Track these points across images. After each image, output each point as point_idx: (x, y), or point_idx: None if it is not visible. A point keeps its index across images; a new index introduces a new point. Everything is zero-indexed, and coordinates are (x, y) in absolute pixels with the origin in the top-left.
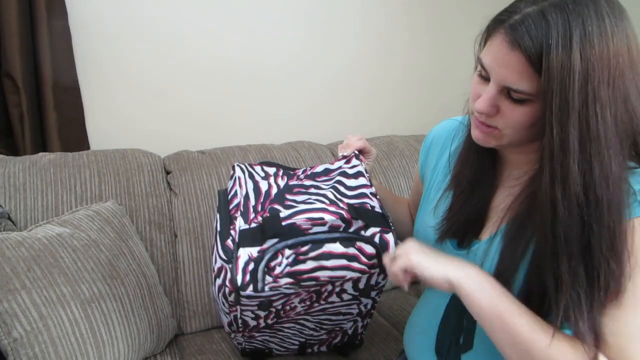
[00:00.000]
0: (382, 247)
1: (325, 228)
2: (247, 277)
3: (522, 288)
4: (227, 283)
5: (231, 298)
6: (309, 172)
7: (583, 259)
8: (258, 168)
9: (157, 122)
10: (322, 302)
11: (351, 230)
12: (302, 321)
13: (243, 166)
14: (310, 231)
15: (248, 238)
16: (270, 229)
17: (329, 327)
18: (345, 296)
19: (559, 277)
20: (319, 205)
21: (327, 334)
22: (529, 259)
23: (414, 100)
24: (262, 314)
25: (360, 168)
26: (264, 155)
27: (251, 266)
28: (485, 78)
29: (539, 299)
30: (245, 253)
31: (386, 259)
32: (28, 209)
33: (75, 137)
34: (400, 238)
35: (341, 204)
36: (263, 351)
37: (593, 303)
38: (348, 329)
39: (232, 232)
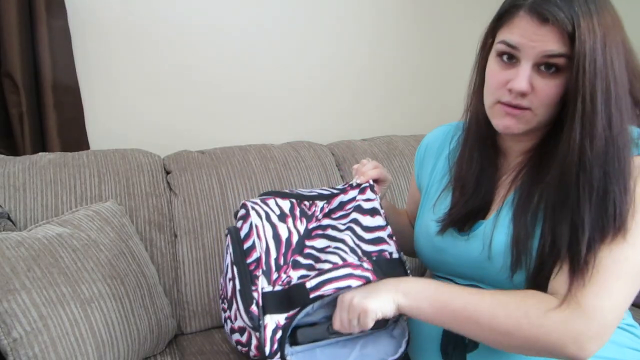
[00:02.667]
0: None
1: (345, 285)
2: (275, 346)
3: (537, 250)
4: (254, 349)
5: (256, 358)
6: (326, 210)
7: (602, 204)
8: (272, 203)
9: (157, 122)
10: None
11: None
12: None
13: (258, 207)
14: (334, 294)
15: (274, 304)
16: (298, 300)
17: None
18: None
19: (581, 224)
20: (342, 270)
21: None
22: (542, 219)
23: (414, 100)
24: None
25: (376, 204)
26: (263, 155)
27: (279, 334)
28: (509, 60)
29: (551, 259)
30: (272, 321)
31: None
32: (28, 209)
33: (75, 137)
34: (402, 249)
35: (360, 252)
36: None
37: (602, 244)
38: None
39: (255, 294)
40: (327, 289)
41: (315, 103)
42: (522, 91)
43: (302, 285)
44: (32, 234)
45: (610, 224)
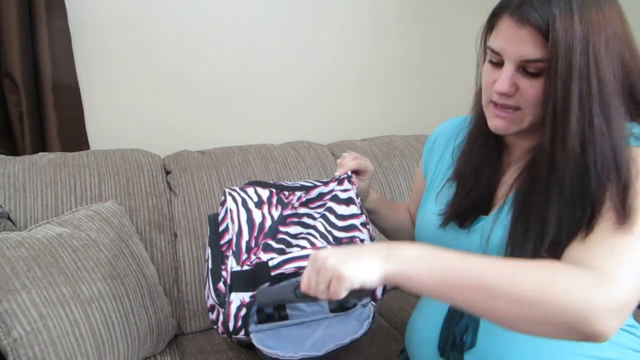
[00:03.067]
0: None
1: None
2: (239, 323)
3: (531, 249)
4: (220, 325)
5: (224, 335)
6: (303, 199)
7: (574, 204)
8: (251, 191)
9: (157, 122)
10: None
11: None
12: None
13: (235, 194)
14: (298, 273)
15: (240, 282)
16: (260, 278)
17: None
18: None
19: (548, 224)
20: (308, 250)
21: None
22: (538, 224)
23: (414, 100)
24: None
25: (352, 194)
26: (263, 155)
27: (243, 312)
28: (496, 64)
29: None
30: (237, 298)
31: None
32: (28, 209)
33: (75, 137)
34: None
35: (330, 238)
36: None
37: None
38: None
39: (224, 272)
40: (288, 267)
41: (315, 103)
42: (503, 92)
43: (266, 263)
44: (32, 234)
45: (582, 225)
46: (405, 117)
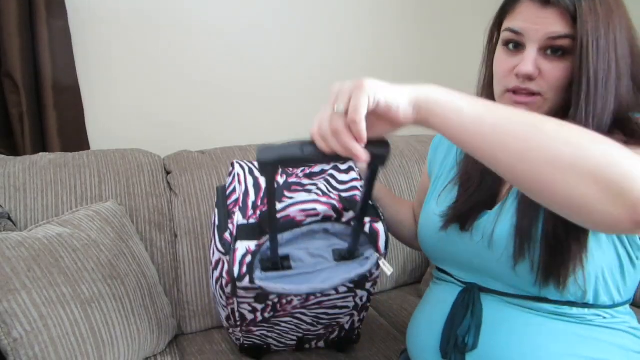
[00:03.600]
0: (372, 236)
1: (318, 219)
2: (244, 269)
3: (542, 238)
4: (225, 274)
5: (228, 290)
6: (307, 172)
7: None
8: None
9: (157, 122)
10: (318, 294)
11: (343, 220)
12: (298, 315)
13: (243, 163)
14: (305, 222)
15: (246, 232)
16: (267, 223)
17: (326, 321)
18: (340, 288)
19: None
20: (312, 196)
21: (325, 329)
22: (544, 214)
23: None
24: (259, 307)
25: (351, 164)
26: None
27: (248, 259)
28: (514, 48)
29: (557, 249)
30: (242, 246)
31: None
32: (28, 209)
33: (75, 137)
34: (401, 240)
35: (333, 195)
36: (261, 347)
37: None
38: (345, 323)
39: (230, 226)
40: (293, 210)
41: (315, 103)
42: (528, 73)
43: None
44: (33, 234)
45: None
46: None
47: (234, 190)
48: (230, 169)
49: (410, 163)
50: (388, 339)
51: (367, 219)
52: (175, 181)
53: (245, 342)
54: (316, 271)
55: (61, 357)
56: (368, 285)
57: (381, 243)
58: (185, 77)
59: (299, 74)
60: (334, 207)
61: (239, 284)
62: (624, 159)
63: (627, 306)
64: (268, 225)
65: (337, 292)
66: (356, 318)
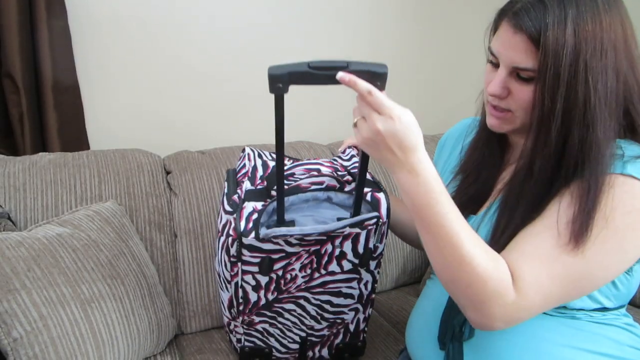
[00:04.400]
0: (373, 204)
1: (322, 187)
2: (250, 225)
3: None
4: (231, 231)
5: (233, 250)
6: (313, 161)
7: (536, 209)
8: (267, 153)
9: (157, 122)
10: (322, 270)
11: (346, 190)
12: (302, 302)
13: (253, 148)
14: (309, 189)
15: (253, 195)
16: (273, 182)
17: (331, 316)
18: (345, 264)
19: (511, 225)
20: (318, 160)
21: (329, 328)
22: (518, 218)
23: (414, 99)
24: (262, 281)
25: (354, 152)
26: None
27: (254, 216)
28: (495, 65)
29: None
30: (250, 205)
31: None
32: (28, 209)
33: (75, 137)
34: (405, 240)
35: (336, 163)
36: (263, 350)
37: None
38: (350, 321)
39: (239, 191)
40: (298, 169)
41: (315, 103)
42: (495, 94)
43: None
44: (32, 234)
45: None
46: None
47: (244, 166)
48: (241, 153)
49: None
50: (388, 339)
51: (368, 189)
52: (175, 181)
53: (246, 343)
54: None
55: (61, 357)
56: (372, 265)
57: (383, 210)
58: (185, 77)
59: None
60: (336, 170)
61: (244, 240)
62: (489, 280)
63: (622, 309)
64: (273, 182)
65: (342, 271)
66: (361, 316)
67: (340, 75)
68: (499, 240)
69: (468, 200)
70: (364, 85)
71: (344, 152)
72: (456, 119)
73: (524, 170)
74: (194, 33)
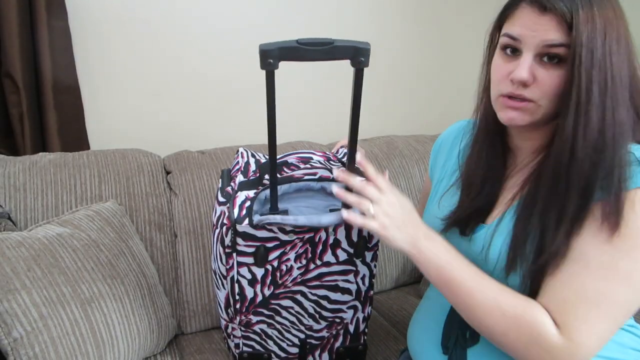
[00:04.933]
0: None
1: (316, 177)
2: (244, 212)
3: (533, 253)
4: (225, 220)
5: (228, 240)
6: (305, 150)
7: (588, 195)
8: (261, 154)
9: (157, 122)
10: (318, 261)
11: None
12: (299, 297)
13: (247, 149)
14: (303, 179)
15: (246, 185)
16: (265, 172)
17: (329, 314)
18: (340, 253)
19: (565, 214)
20: (309, 150)
21: (328, 329)
22: (540, 227)
23: (414, 100)
24: (258, 274)
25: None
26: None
27: (247, 204)
28: (512, 53)
29: (544, 262)
30: (242, 194)
31: (358, 182)
32: (28, 209)
33: (75, 137)
34: None
35: (329, 154)
36: (262, 356)
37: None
38: (349, 321)
39: (232, 184)
40: (291, 157)
41: (315, 103)
42: (522, 80)
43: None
44: (33, 234)
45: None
46: (405, 117)
47: (237, 163)
48: (236, 154)
49: (410, 163)
50: (388, 339)
51: (362, 179)
52: (175, 181)
53: (244, 348)
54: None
55: (61, 357)
56: (368, 257)
57: None
58: (186, 77)
59: (299, 74)
60: (329, 160)
61: (239, 227)
62: (524, 324)
63: None
64: (265, 170)
65: (337, 261)
66: (360, 315)
67: (336, 174)
68: (523, 248)
69: (475, 212)
70: (358, 181)
71: (337, 152)
72: (456, 118)
73: (564, 155)
74: (195, 33)
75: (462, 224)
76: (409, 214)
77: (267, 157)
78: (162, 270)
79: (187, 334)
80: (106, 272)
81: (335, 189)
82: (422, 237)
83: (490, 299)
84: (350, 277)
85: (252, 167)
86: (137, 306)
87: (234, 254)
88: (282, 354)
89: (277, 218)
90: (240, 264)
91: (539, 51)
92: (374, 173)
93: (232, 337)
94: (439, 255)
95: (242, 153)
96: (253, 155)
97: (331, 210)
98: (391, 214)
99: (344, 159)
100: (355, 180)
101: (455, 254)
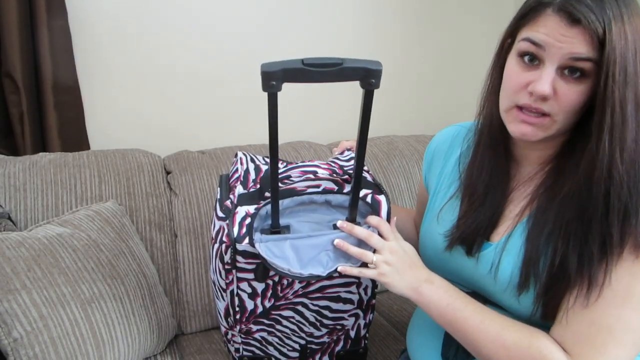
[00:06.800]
0: (373, 207)
1: (319, 190)
2: (244, 230)
3: (547, 271)
4: (224, 238)
5: (227, 257)
6: (309, 163)
7: (627, 220)
8: (260, 157)
9: (157, 123)
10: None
11: (345, 191)
12: (300, 308)
13: (245, 153)
14: (305, 192)
15: (246, 198)
16: (267, 184)
17: (330, 322)
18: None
19: (606, 239)
20: (313, 163)
21: (329, 335)
22: (552, 246)
23: (414, 100)
24: (259, 288)
25: (352, 155)
26: (263, 155)
27: (247, 221)
28: (530, 61)
29: (561, 281)
30: (242, 210)
31: (363, 232)
32: (28, 209)
33: (75, 137)
34: None
35: (333, 164)
36: (262, 359)
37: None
38: (350, 327)
39: (232, 196)
40: (294, 171)
41: (315, 103)
42: (544, 94)
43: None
44: (33, 234)
45: (630, 242)
46: (406, 117)
47: (236, 170)
48: (234, 158)
49: (410, 163)
50: (388, 339)
51: (368, 191)
52: (175, 181)
53: (244, 353)
54: (318, 235)
55: (61, 357)
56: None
57: (383, 213)
58: (186, 77)
59: None
60: (334, 172)
61: (238, 246)
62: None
63: None
64: (266, 185)
65: (340, 274)
66: (362, 322)
67: (339, 224)
68: (536, 268)
69: (479, 228)
70: (362, 230)
71: (342, 153)
72: (456, 118)
73: (602, 181)
74: (194, 33)
75: (466, 242)
76: (409, 258)
77: (267, 160)
78: (162, 270)
79: (187, 334)
80: (106, 272)
81: (337, 240)
82: (423, 281)
83: (494, 336)
84: (353, 288)
85: (252, 175)
86: (137, 306)
87: (234, 271)
88: (283, 358)
89: (277, 263)
90: (240, 279)
91: (562, 63)
92: (378, 221)
93: (232, 342)
94: (440, 298)
95: (240, 159)
96: (252, 160)
97: (334, 225)
98: (392, 262)
99: (350, 166)
100: (360, 231)
101: (456, 295)
